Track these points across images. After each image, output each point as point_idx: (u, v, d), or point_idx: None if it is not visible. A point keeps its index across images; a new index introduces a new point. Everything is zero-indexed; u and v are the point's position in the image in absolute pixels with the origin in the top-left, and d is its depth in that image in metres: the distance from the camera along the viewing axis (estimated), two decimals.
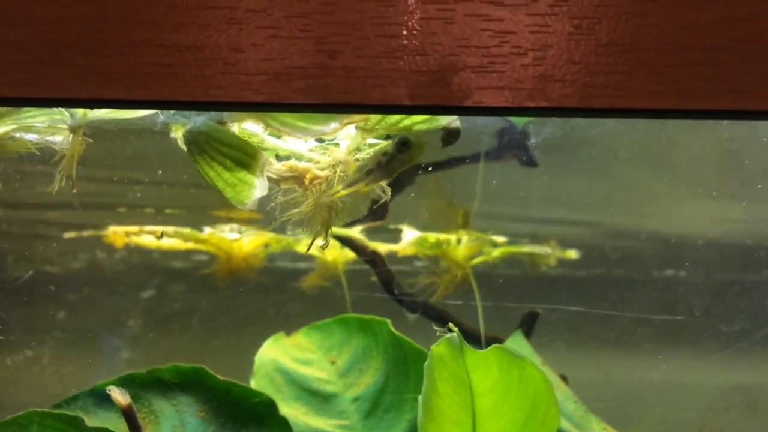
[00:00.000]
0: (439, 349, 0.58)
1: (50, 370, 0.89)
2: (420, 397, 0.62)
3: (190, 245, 1.06)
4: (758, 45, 0.42)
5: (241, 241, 1.07)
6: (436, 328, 0.55)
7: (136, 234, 1.02)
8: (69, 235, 1.02)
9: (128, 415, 0.53)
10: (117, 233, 1.02)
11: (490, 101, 0.42)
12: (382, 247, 1.05)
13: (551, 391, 0.61)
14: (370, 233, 1.02)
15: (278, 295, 1.08)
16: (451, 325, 0.55)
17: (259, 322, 1.03)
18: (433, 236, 1.10)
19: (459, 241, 1.10)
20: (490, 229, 1.07)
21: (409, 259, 1.10)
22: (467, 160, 0.89)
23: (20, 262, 0.97)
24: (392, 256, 1.07)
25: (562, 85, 0.42)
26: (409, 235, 1.11)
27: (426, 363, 0.60)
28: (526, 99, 0.42)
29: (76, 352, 0.95)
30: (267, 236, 1.07)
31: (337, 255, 1.07)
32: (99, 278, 1.02)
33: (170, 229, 1.03)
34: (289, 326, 0.86)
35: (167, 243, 1.05)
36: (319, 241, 0.50)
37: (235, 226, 1.05)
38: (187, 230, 1.03)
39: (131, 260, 1.03)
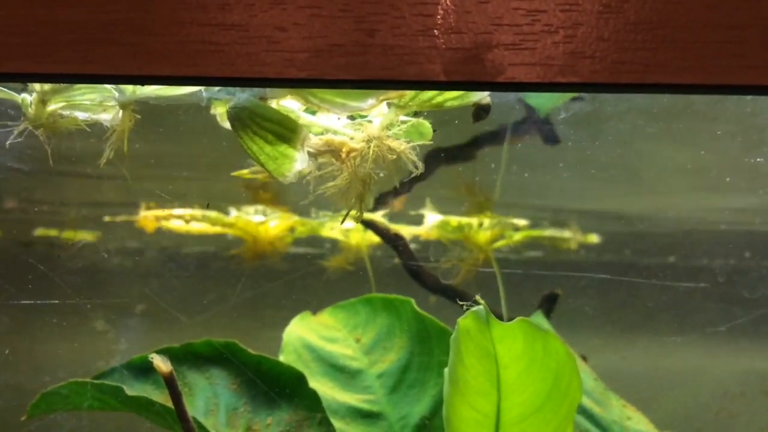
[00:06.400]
0: (465, 321, 0.60)
1: (85, 343, 0.92)
2: (446, 370, 0.64)
3: (217, 229, 1.09)
4: None
5: (267, 224, 1.09)
6: (461, 302, 0.57)
7: (166, 218, 1.05)
8: (108, 219, 1.05)
9: (169, 381, 0.56)
10: (148, 218, 1.05)
11: (523, 77, 0.43)
12: (405, 230, 1.07)
13: (574, 364, 0.63)
14: (392, 217, 1.04)
15: (304, 275, 1.10)
16: (477, 297, 0.57)
17: (286, 302, 1.06)
18: (455, 220, 1.12)
19: (480, 224, 1.12)
20: (512, 211, 1.09)
21: (432, 243, 1.12)
22: (492, 138, 0.91)
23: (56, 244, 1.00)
24: (414, 239, 1.09)
25: (592, 61, 0.43)
26: (431, 218, 1.13)
27: (452, 336, 0.62)
28: (557, 75, 0.43)
29: (101, 330, 0.97)
30: (292, 220, 1.09)
31: (361, 238, 1.10)
32: (131, 260, 1.05)
33: (198, 212, 1.05)
34: (314, 306, 0.89)
35: (195, 227, 1.08)
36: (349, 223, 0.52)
37: (260, 208, 1.07)
38: (213, 214, 1.05)
39: (163, 243, 1.05)
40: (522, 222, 1.15)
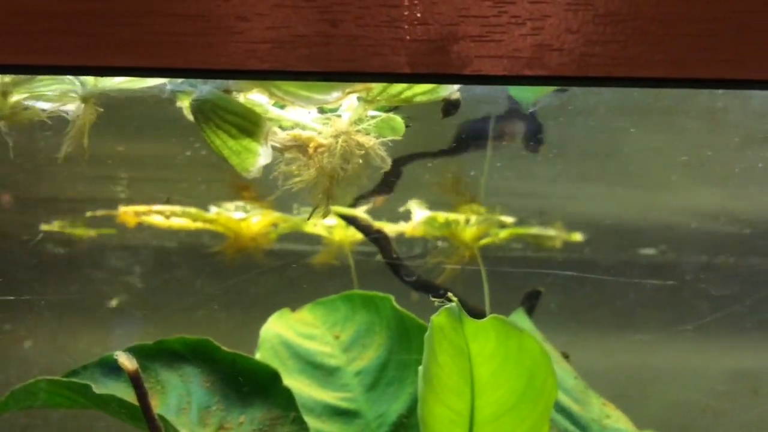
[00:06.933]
0: (438, 319, 0.59)
1: (58, 343, 0.91)
2: (420, 368, 0.63)
3: (198, 225, 1.08)
4: (755, 16, 0.43)
5: (248, 220, 1.08)
6: (433, 299, 0.56)
7: (146, 213, 1.04)
8: (90, 213, 1.03)
9: (134, 379, 0.55)
10: (128, 212, 1.04)
11: (489, 70, 0.43)
12: (391, 227, 1.07)
13: (549, 362, 0.62)
14: (375, 213, 1.03)
15: (286, 272, 1.09)
16: (450, 294, 0.56)
17: (266, 299, 1.05)
18: (441, 216, 1.11)
19: (467, 221, 1.11)
20: (498, 208, 1.08)
21: (418, 240, 1.11)
22: (476, 144, 0.90)
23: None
24: (399, 237, 1.08)
25: (560, 54, 0.42)
26: (419, 214, 1.12)
27: (426, 334, 0.61)
28: (524, 68, 0.42)
29: (84, 327, 0.96)
30: (274, 216, 1.08)
31: (344, 234, 1.09)
32: (107, 255, 1.04)
33: (177, 208, 1.04)
34: (296, 302, 0.88)
35: (176, 222, 1.06)
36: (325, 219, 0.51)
37: (240, 204, 1.06)
38: (193, 210, 1.04)
39: (142, 237, 1.04)
40: (509, 219, 1.14)
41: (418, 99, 0.49)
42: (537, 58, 0.42)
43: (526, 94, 0.85)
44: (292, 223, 1.10)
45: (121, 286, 1.02)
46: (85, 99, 0.48)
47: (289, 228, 1.11)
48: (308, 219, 0.48)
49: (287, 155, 0.49)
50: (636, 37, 0.42)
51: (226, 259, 1.07)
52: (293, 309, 0.88)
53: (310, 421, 0.75)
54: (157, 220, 1.05)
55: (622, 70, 0.42)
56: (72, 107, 0.50)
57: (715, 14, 0.42)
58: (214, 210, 1.06)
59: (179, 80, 0.48)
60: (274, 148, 0.48)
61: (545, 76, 0.42)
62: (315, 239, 1.12)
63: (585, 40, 0.42)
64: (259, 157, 0.47)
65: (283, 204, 1.07)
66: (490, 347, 0.60)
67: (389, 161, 0.49)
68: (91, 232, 1.01)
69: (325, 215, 0.49)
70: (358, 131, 0.50)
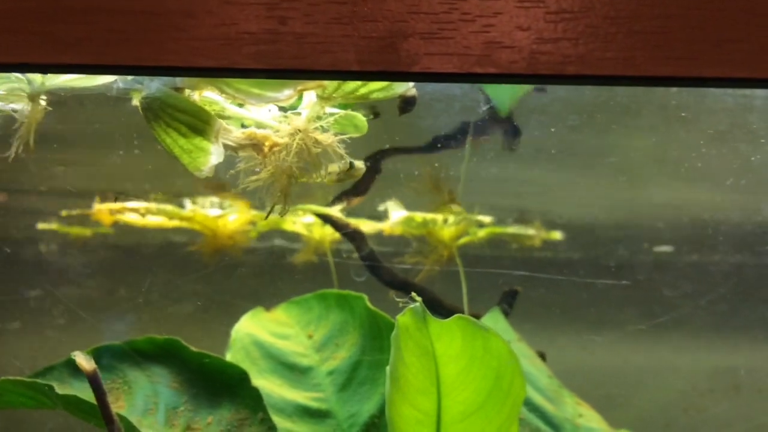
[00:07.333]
0: (404, 319, 0.59)
1: (30, 343, 0.90)
2: (388, 368, 0.63)
3: (175, 222, 1.07)
4: (707, 13, 0.42)
5: (225, 218, 1.07)
6: (398, 299, 0.56)
7: (120, 211, 1.03)
8: (66, 213, 1.03)
9: (93, 379, 0.54)
10: (102, 210, 1.03)
11: (438, 67, 0.42)
12: (369, 226, 1.06)
13: (516, 362, 0.61)
14: (353, 212, 1.02)
15: (263, 271, 1.08)
16: (413, 294, 0.56)
17: (243, 298, 1.04)
18: (419, 216, 1.11)
19: (445, 220, 1.10)
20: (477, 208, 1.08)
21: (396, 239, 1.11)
22: (453, 142, 0.90)
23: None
24: (379, 236, 1.07)
25: (511, 51, 0.42)
26: (396, 214, 1.12)
27: (393, 334, 0.61)
28: (474, 65, 0.42)
29: (56, 326, 0.96)
30: (251, 214, 1.08)
31: (323, 232, 1.08)
32: (78, 255, 1.03)
33: (152, 206, 1.03)
34: (271, 302, 0.87)
35: (153, 221, 1.06)
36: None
37: (216, 201, 1.05)
38: (169, 207, 1.04)
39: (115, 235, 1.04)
40: (487, 219, 1.14)
41: (373, 96, 0.48)
42: (487, 56, 0.42)
43: (503, 98, 0.84)
44: (269, 221, 1.10)
45: (91, 285, 1.01)
46: (32, 97, 0.48)
47: (267, 226, 1.11)
48: (265, 218, 0.48)
49: (242, 154, 0.49)
50: (587, 34, 0.42)
51: (203, 257, 1.06)
52: (268, 308, 0.87)
53: (281, 422, 0.74)
54: (132, 218, 1.05)
55: (573, 68, 0.42)
56: (20, 106, 0.49)
57: (667, 12, 0.42)
58: (189, 207, 1.05)
59: (130, 78, 0.47)
60: (227, 146, 0.48)
61: (495, 73, 0.42)
62: (294, 237, 1.11)
63: (536, 38, 0.42)
64: (210, 155, 0.46)
65: (260, 202, 1.06)
66: (456, 347, 0.59)
67: (347, 159, 0.49)
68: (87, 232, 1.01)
69: (282, 214, 0.49)
70: (316, 129, 0.50)
